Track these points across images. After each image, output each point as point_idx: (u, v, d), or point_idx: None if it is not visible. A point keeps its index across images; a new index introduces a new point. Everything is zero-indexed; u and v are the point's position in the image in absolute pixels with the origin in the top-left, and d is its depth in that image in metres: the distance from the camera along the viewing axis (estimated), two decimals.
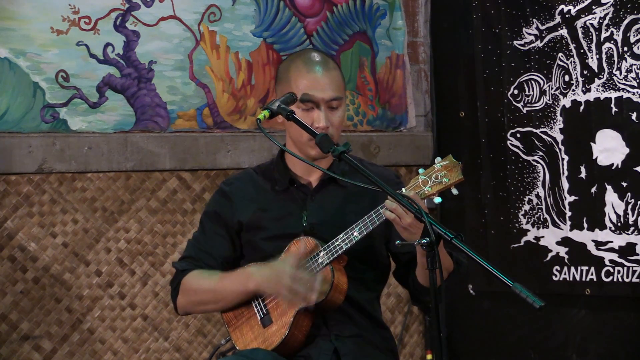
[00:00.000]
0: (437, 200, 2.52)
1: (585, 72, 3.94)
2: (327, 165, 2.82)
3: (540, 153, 4.11)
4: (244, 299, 2.77)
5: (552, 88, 4.06)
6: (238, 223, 2.85)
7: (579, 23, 3.95)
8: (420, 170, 2.55)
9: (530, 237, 4.16)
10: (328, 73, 2.77)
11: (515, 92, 4.18)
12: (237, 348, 2.79)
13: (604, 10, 3.87)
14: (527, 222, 4.16)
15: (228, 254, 2.87)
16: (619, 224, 3.85)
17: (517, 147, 4.19)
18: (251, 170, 2.95)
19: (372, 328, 2.82)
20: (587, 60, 3.93)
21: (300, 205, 2.81)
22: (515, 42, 4.17)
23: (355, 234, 2.63)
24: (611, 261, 3.88)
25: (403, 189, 2.56)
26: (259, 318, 2.77)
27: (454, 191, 2.52)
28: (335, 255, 2.65)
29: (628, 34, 3.80)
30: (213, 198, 2.95)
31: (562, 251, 4.04)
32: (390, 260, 2.89)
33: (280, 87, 2.82)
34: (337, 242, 2.65)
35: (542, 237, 4.11)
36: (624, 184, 3.83)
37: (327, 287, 2.64)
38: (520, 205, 4.18)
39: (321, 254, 2.67)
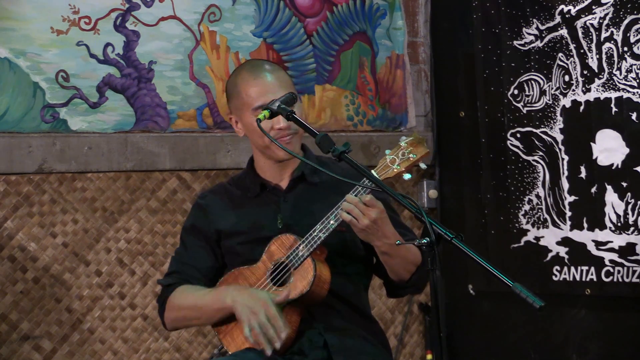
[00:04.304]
0: (407, 176, 2.58)
1: (585, 72, 3.94)
2: (295, 166, 2.85)
3: (540, 153, 4.11)
4: (223, 316, 2.76)
5: (552, 88, 4.06)
6: (216, 232, 2.88)
7: (579, 23, 3.95)
8: (387, 151, 2.61)
9: (530, 237, 4.15)
10: (275, 75, 2.80)
11: (515, 92, 4.18)
12: (230, 353, 2.78)
13: (604, 10, 3.87)
14: (527, 222, 4.16)
15: (211, 264, 2.90)
16: (619, 224, 3.85)
17: (517, 147, 4.19)
18: (224, 183, 3.00)
19: (360, 321, 2.83)
20: (587, 60, 3.93)
21: (274, 208, 2.84)
22: (515, 42, 4.17)
23: (331, 222, 2.65)
24: (611, 261, 3.88)
25: (373, 171, 2.59)
26: None
27: (422, 165, 2.59)
28: (315, 246, 2.66)
29: (628, 34, 3.80)
30: (190, 213, 2.99)
31: (562, 251, 4.04)
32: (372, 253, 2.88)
33: (233, 103, 2.84)
34: (315, 233, 2.67)
35: (542, 237, 4.11)
36: (624, 184, 3.83)
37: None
38: (520, 205, 4.18)
39: (300, 247, 2.68)
